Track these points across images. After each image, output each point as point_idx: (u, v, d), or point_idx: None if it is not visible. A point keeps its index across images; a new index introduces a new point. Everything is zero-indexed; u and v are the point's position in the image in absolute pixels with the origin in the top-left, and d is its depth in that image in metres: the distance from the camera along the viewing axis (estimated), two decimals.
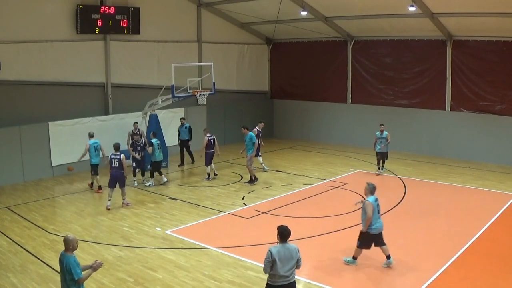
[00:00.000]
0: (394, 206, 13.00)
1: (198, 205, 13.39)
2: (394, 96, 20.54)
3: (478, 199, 13.80)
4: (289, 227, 6.68)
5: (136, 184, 15.35)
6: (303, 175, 16.62)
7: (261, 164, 17.21)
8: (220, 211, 12.82)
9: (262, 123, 17.34)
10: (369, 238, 9.09)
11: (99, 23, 17.67)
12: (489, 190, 14.49)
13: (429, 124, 19.54)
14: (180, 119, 18.64)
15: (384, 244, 9.17)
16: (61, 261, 6.39)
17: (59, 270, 9.05)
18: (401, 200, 13.59)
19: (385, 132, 16.37)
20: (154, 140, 15.30)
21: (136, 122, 16.37)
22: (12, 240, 10.86)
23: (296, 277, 8.77)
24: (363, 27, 20.19)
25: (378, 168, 16.63)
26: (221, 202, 13.60)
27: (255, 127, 16.87)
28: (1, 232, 11.35)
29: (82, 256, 9.86)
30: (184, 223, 11.94)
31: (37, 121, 16.53)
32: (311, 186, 15.29)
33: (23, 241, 10.76)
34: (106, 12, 17.78)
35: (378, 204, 9.14)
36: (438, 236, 10.97)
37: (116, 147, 13.23)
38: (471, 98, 18.46)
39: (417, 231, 11.21)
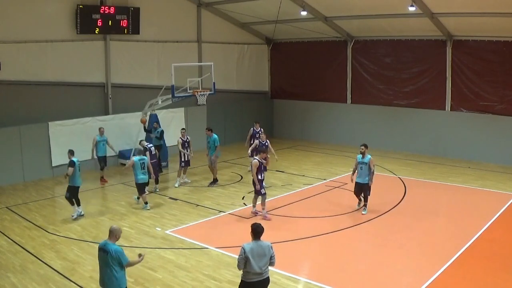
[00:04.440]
0: (394, 206, 13.00)
1: (198, 205, 13.39)
2: (394, 96, 20.53)
3: (478, 199, 13.80)
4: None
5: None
6: (303, 175, 16.61)
7: None
8: (220, 211, 12.82)
9: (258, 123, 17.23)
10: (140, 186, 12.92)
11: (99, 23, 17.67)
12: (489, 190, 14.48)
13: (429, 124, 19.53)
14: (154, 123, 17.49)
15: (145, 192, 13.12)
16: (104, 251, 6.63)
17: (59, 270, 9.17)
18: (401, 200, 13.59)
19: (367, 156, 12.22)
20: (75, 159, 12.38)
21: (184, 129, 15.89)
22: (12, 240, 10.86)
23: (296, 277, 8.87)
24: (363, 27, 20.19)
25: (359, 204, 12.63)
26: (221, 202, 13.60)
27: (251, 128, 16.91)
28: (1, 232, 11.35)
29: (82, 256, 9.89)
30: (184, 223, 11.94)
31: (37, 121, 16.52)
32: (311, 186, 15.28)
33: (23, 241, 10.76)
34: (106, 12, 17.77)
35: (143, 163, 12.85)
36: (438, 236, 10.97)
37: None
38: (471, 98, 18.46)
39: (417, 231, 11.20)
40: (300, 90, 23.59)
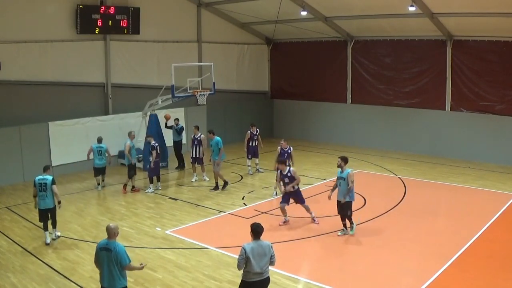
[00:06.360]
0: (394, 206, 13.00)
1: (198, 205, 13.39)
2: (394, 96, 20.52)
3: (478, 199, 13.79)
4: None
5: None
6: (303, 175, 16.54)
7: (256, 165, 17.13)
8: (220, 211, 12.82)
9: (254, 126, 17.02)
10: (95, 170, 14.77)
11: (99, 23, 17.67)
12: (489, 190, 14.47)
13: (429, 124, 19.53)
14: (174, 119, 17.91)
15: (103, 174, 14.94)
16: (107, 249, 6.59)
17: (59, 270, 9.18)
18: (401, 200, 13.58)
19: (347, 170, 10.55)
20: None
21: (196, 126, 16.15)
22: (12, 240, 10.87)
23: (296, 277, 8.87)
24: (363, 27, 20.19)
25: (342, 230, 10.90)
26: (221, 202, 13.60)
27: (248, 130, 16.82)
28: (1, 232, 11.36)
29: (82, 256, 9.90)
30: (184, 223, 11.95)
31: (37, 121, 16.53)
32: (311, 186, 15.27)
33: (23, 241, 10.77)
34: (106, 12, 17.78)
35: (100, 150, 14.60)
36: (438, 236, 10.96)
37: None
38: (471, 98, 18.45)
39: (417, 231, 11.19)
40: (300, 90, 23.58)
